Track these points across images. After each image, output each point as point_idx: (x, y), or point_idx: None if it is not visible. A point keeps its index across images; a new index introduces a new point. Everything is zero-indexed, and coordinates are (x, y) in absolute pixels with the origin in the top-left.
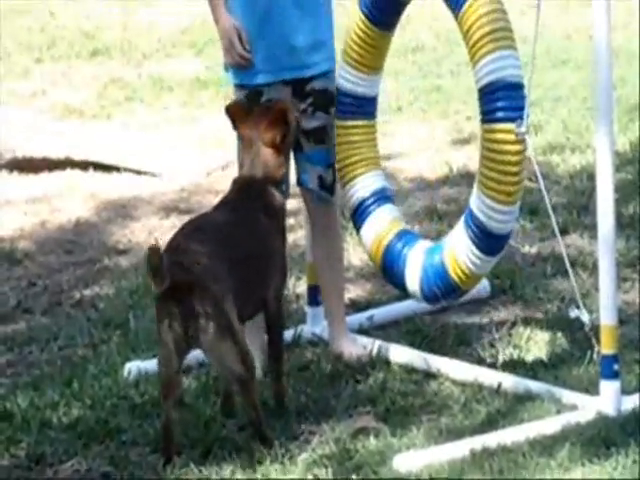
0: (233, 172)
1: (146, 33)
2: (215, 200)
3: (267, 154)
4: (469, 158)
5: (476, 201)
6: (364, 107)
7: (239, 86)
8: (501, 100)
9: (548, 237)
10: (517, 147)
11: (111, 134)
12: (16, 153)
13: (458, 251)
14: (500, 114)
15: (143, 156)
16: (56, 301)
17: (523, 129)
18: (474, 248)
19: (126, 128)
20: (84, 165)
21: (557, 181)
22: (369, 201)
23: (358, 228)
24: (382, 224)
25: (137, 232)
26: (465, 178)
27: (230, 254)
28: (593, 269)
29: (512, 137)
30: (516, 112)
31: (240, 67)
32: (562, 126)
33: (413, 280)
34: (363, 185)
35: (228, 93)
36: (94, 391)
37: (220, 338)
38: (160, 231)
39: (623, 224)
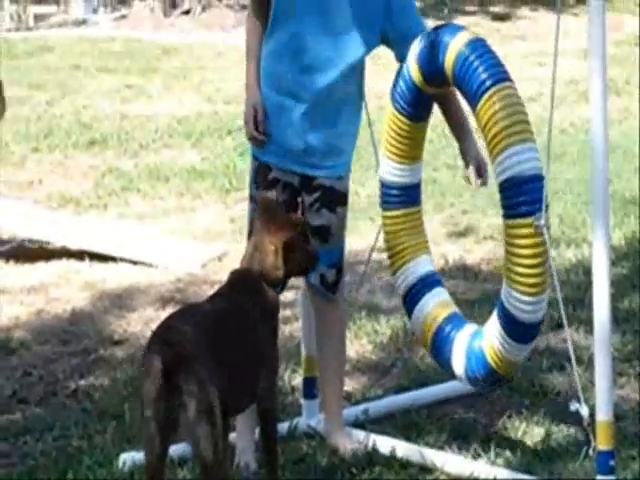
0: (229, 263)
1: (143, 124)
2: (210, 291)
3: (269, 253)
4: (465, 251)
5: (504, 292)
6: (408, 196)
7: (254, 157)
8: (519, 195)
9: (545, 331)
10: (537, 240)
11: (107, 224)
12: (12, 242)
13: (493, 339)
14: (520, 209)
15: (139, 246)
16: (51, 391)
17: (542, 222)
18: (506, 337)
19: (122, 218)
20: (80, 255)
21: (553, 275)
22: (418, 286)
23: (409, 314)
24: (430, 308)
25: (133, 323)
26: (461, 271)
27: (216, 342)
28: (589, 363)
29: (531, 231)
30: (534, 205)
31: (253, 144)
32: (558, 220)
33: (458, 364)
34: (412, 272)
35: (224, 184)
36: None
37: (198, 419)
38: (156, 322)
39: (619, 318)
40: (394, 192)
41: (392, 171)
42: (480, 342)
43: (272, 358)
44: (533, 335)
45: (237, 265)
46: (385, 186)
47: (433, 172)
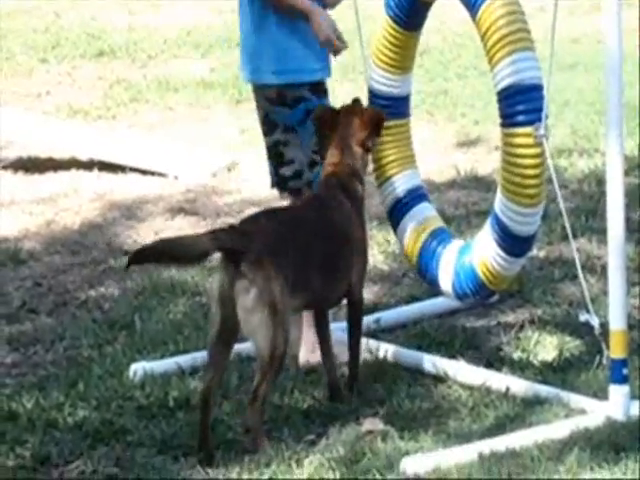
0: (238, 173)
1: (152, 34)
2: (220, 202)
3: (357, 154)
4: (476, 161)
5: (499, 204)
6: (397, 107)
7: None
8: (519, 104)
9: (556, 241)
10: (536, 150)
11: (116, 134)
12: (21, 153)
13: (485, 253)
14: (518, 118)
15: (148, 157)
16: (61, 302)
17: (542, 132)
18: (500, 250)
19: (131, 128)
20: (89, 165)
21: (565, 185)
22: (405, 200)
23: (395, 227)
24: (417, 223)
25: (142, 233)
26: (472, 182)
27: (301, 238)
28: (602, 273)
29: (531, 140)
30: (534, 115)
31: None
32: (570, 130)
33: (445, 280)
34: (399, 184)
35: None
36: (99, 392)
37: (256, 308)
38: (166, 232)
39: (632, 228)
40: (382, 102)
41: (381, 80)
42: (469, 257)
43: (363, 249)
44: (527, 248)
45: (246, 175)
46: (374, 95)
47: (444, 82)
